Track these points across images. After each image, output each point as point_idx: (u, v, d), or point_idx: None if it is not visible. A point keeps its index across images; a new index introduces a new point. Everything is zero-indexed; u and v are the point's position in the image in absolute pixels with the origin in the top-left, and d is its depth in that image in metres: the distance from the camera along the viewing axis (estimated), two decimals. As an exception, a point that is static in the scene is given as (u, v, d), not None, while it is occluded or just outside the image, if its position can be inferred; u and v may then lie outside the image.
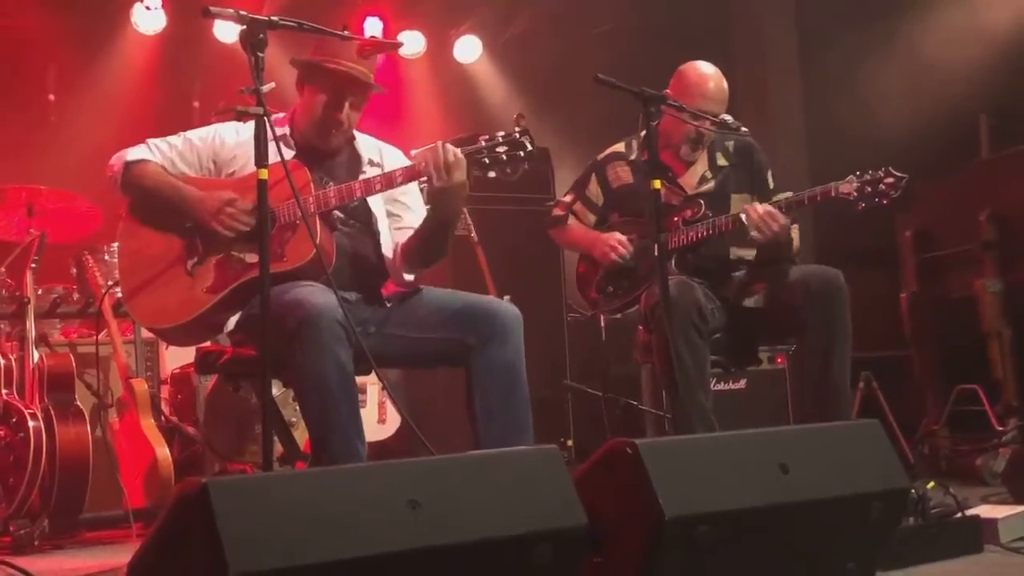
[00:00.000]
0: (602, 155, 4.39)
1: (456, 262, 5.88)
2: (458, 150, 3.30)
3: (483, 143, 3.33)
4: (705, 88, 4.08)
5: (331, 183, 3.50)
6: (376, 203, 3.64)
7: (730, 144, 4.28)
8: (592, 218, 4.39)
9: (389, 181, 3.40)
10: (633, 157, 4.31)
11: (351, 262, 3.53)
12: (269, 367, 2.89)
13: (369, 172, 3.62)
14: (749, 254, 4.21)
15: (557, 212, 4.48)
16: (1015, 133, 5.34)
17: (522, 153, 3.33)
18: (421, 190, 3.74)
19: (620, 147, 4.36)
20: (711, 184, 4.23)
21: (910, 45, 6.50)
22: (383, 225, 3.65)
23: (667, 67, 4.24)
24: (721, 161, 4.27)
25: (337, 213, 3.53)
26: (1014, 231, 5.14)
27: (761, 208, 3.88)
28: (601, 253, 4.24)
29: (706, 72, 4.13)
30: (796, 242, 4.17)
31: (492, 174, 3.34)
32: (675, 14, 7.35)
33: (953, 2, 6.41)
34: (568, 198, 4.46)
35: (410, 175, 3.40)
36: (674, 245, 4.08)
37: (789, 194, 4.16)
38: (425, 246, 3.55)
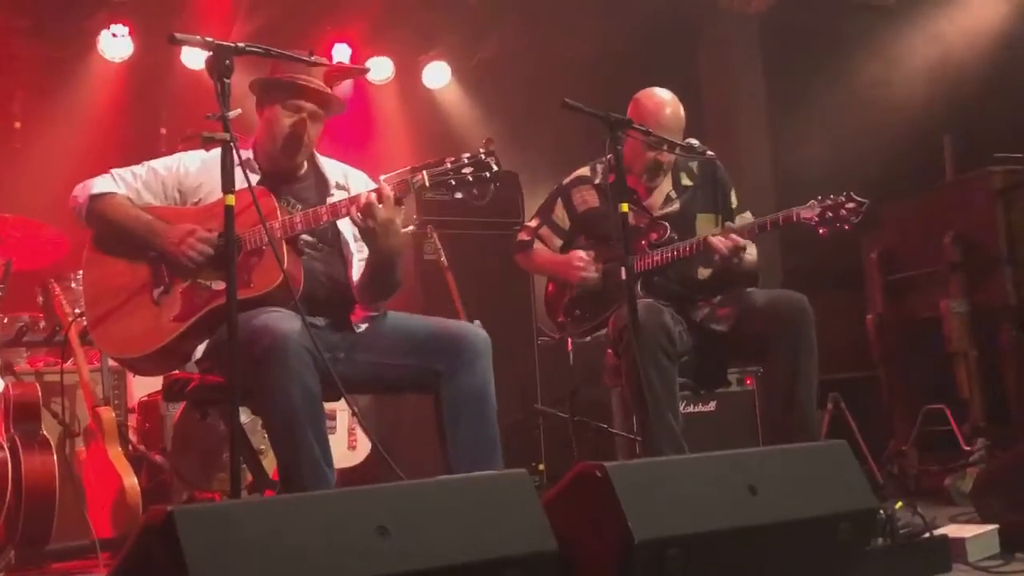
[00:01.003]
0: (567, 179, 4.41)
1: (426, 286, 5.88)
2: (383, 192, 3.30)
3: (448, 164, 3.33)
4: (662, 115, 4.10)
5: (299, 206, 3.50)
6: (345, 227, 3.63)
7: (694, 164, 4.31)
8: (558, 242, 4.40)
9: (356, 205, 3.39)
10: (598, 181, 4.32)
11: (320, 287, 3.52)
12: (237, 394, 2.87)
13: (336, 195, 3.61)
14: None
15: (523, 237, 4.49)
16: (979, 155, 5.40)
17: (488, 174, 3.33)
18: None
19: (585, 171, 4.37)
20: (676, 205, 4.25)
21: (875, 69, 6.57)
22: (353, 248, 3.65)
23: (634, 90, 4.26)
24: (685, 181, 4.29)
25: (305, 237, 3.52)
26: (979, 252, 5.19)
27: (728, 241, 3.92)
28: (570, 276, 4.25)
29: (663, 99, 4.16)
30: (753, 259, 4.19)
31: (459, 195, 3.34)
32: (642, 40, 7.40)
33: (918, 26, 6.49)
34: (533, 223, 4.47)
35: (377, 199, 3.39)
36: (640, 268, 4.09)
37: (749, 216, 4.20)
38: (373, 282, 3.54)
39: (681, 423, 3.91)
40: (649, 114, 4.09)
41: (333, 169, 3.73)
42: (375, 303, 3.58)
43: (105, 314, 3.47)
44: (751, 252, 4.17)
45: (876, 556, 3.15)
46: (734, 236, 3.94)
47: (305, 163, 3.66)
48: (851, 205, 3.84)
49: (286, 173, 3.60)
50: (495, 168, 3.34)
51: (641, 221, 4.20)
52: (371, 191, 3.33)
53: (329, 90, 3.56)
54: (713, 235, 3.97)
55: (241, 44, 2.96)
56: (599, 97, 3.63)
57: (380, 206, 3.28)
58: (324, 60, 3.67)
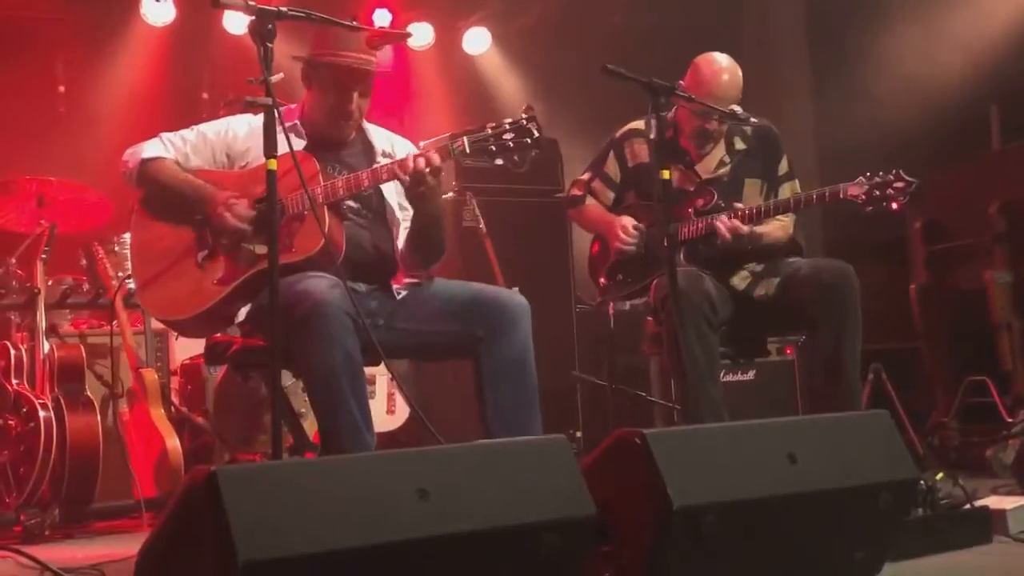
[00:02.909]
0: (620, 131, 4.34)
1: (465, 253, 5.88)
2: (432, 159, 3.31)
3: (489, 130, 3.33)
4: (718, 82, 4.05)
5: (344, 172, 3.51)
6: (390, 195, 3.64)
7: (748, 128, 4.24)
8: (611, 195, 4.34)
9: (404, 170, 3.40)
10: (652, 136, 4.27)
11: (363, 253, 3.53)
12: (279, 357, 2.89)
13: (382, 163, 3.61)
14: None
15: (575, 192, 4.43)
16: (1025, 124, 5.33)
17: (529, 140, 3.31)
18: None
19: (639, 124, 4.30)
20: (726, 169, 4.21)
21: (921, 35, 6.47)
22: (399, 216, 3.66)
23: (676, 57, 4.22)
24: (739, 145, 4.23)
25: (350, 203, 3.53)
26: (1024, 223, 5.13)
27: (730, 225, 3.91)
28: (611, 240, 4.23)
29: (721, 66, 4.10)
30: (785, 233, 4.16)
31: (499, 161, 3.33)
32: (684, 5, 7.33)
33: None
34: (586, 176, 4.40)
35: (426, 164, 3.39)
36: (685, 236, 4.06)
37: (796, 185, 4.16)
38: (417, 246, 3.56)
39: (721, 392, 3.90)
40: (705, 80, 4.04)
41: (380, 137, 3.74)
42: (421, 268, 3.60)
43: (151, 276, 3.52)
44: (786, 225, 4.14)
45: (916, 526, 3.13)
46: (736, 222, 3.91)
47: (352, 131, 3.68)
48: (900, 184, 3.77)
49: (332, 141, 3.61)
50: (536, 134, 3.33)
51: (690, 184, 4.17)
52: (417, 156, 3.33)
53: (373, 65, 3.53)
54: (721, 218, 3.94)
55: (284, 8, 2.97)
56: (641, 63, 3.60)
57: (427, 171, 3.30)
58: (365, 27, 3.66)
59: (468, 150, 3.32)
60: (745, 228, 3.92)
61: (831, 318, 3.85)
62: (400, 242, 3.63)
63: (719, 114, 3.99)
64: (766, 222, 4.06)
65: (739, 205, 4.02)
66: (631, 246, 4.18)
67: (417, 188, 3.33)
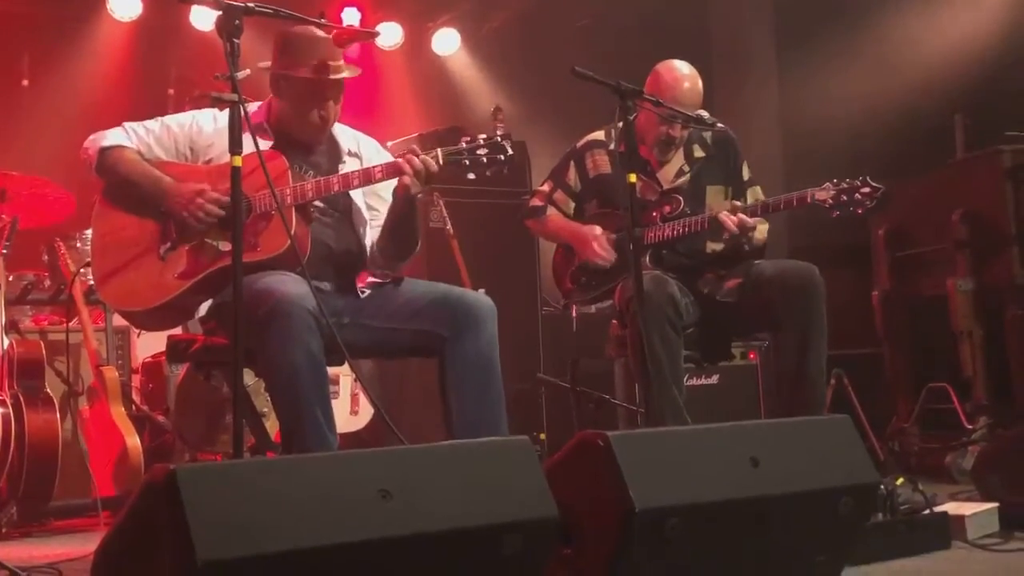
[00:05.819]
0: (581, 142, 4.36)
1: (431, 255, 5.86)
2: (431, 162, 3.32)
3: (464, 145, 3.35)
4: (679, 89, 4.06)
5: (311, 172, 3.50)
6: (357, 194, 3.62)
7: (707, 135, 4.26)
8: (572, 205, 4.35)
9: (368, 177, 3.40)
10: (612, 147, 4.28)
11: (328, 252, 3.51)
12: (241, 356, 2.87)
13: (348, 162, 3.61)
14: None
15: (535, 202, 4.43)
16: (990, 133, 5.37)
17: (502, 157, 3.35)
18: None
19: (600, 135, 4.33)
20: (687, 177, 4.23)
21: (887, 44, 6.53)
22: (366, 216, 3.65)
23: (645, 61, 4.23)
24: (698, 152, 4.25)
25: (317, 204, 3.52)
26: (986, 231, 5.17)
27: (736, 219, 3.90)
28: (585, 251, 4.22)
29: (682, 73, 4.11)
30: (763, 236, 4.18)
31: (471, 176, 3.36)
32: (653, 9, 7.35)
33: (930, 2, 6.44)
34: (546, 187, 4.41)
35: (390, 172, 3.39)
36: (651, 241, 4.07)
37: (759, 191, 4.19)
38: (394, 241, 3.56)
39: (684, 395, 3.91)
40: (667, 87, 4.05)
41: (346, 136, 3.72)
42: (396, 261, 3.61)
43: (111, 267, 3.48)
44: (761, 229, 4.15)
45: (876, 531, 3.16)
46: (742, 216, 3.92)
47: (323, 136, 3.66)
48: (866, 190, 3.80)
49: (301, 144, 3.59)
50: (510, 152, 3.36)
51: (652, 193, 4.17)
52: (419, 157, 3.34)
53: (343, 70, 3.51)
54: (724, 212, 3.94)
55: (251, 4, 2.94)
56: (609, 65, 3.60)
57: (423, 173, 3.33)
58: (333, 24, 3.65)
59: (441, 162, 3.35)
60: (752, 221, 3.92)
61: (796, 320, 3.87)
62: (368, 240, 3.62)
63: (686, 119, 3.99)
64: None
65: (741, 204, 4.02)
66: (606, 261, 4.18)
67: (407, 193, 3.37)
